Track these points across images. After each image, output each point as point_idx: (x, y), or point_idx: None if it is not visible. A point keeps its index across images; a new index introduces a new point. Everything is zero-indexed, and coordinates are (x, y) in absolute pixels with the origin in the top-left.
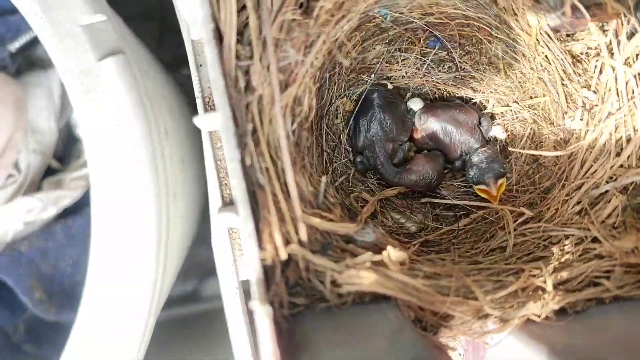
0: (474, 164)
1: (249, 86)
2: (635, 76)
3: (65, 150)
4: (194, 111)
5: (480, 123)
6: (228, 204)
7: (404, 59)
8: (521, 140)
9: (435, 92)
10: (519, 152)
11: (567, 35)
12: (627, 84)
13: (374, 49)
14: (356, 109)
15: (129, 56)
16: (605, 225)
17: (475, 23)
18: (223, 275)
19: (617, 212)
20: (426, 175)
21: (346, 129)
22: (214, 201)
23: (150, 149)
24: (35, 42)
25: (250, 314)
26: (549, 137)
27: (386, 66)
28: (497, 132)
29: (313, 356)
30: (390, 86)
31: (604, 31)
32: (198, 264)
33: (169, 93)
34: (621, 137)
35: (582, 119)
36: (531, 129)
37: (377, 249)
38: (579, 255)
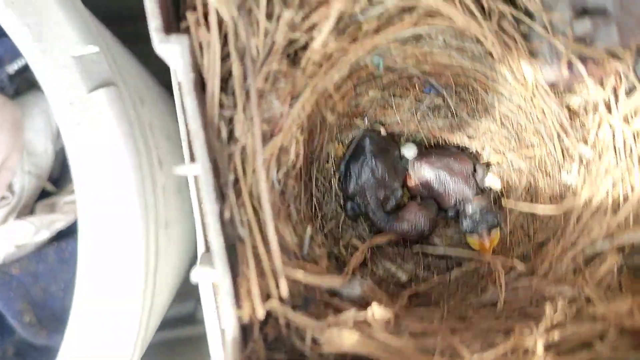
0: (467, 214)
1: (232, 135)
2: (633, 134)
3: (61, 173)
4: None
5: (475, 172)
6: (209, 249)
7: (398, 105)
8: (516, 191)
9: (430, 139)
10: (514, 204)
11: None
12: (625, 141)
13: (367, 94)
14: (347, 154)
15: (121, 88)
16: (599, 286)
17: (470, 74)
18: (207, 320)
19: (612, 272)
20: (418, 225)
21: (337, 174)
22: (200, 246)
23: (138, 182)
24: None
25: None
26: (545, 190)
27: (380, 111)
28: (493, 181)
29: None
30: (383, 132)
31: (602, 86)
32: (195, 286)
33: (168, 120)
34: (618, 195)
35: (578, 174)
36: (527, 180)
37: (364, 302)
38: (573, 315)
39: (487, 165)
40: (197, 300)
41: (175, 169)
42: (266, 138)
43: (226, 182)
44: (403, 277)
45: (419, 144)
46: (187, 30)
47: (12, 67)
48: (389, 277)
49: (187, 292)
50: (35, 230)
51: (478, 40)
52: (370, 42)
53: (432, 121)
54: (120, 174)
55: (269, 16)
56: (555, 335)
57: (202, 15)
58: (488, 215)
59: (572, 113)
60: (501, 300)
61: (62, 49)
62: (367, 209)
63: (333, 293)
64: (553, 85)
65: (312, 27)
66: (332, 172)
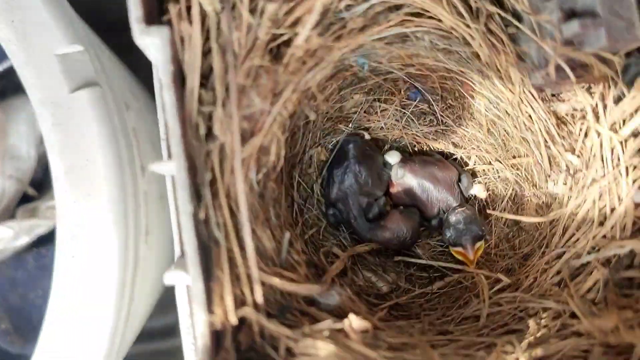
0: (451, 224)
1: (210, 133)
2: (621, 143)
3: (44, 178)
4: None
5: (460, 180)
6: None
7: (383, 110)
8: (502, 202)
9: (414, 146)
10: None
11: (553, 95)
12: (612, 150)
13: (352, 98)
14: (330, 159)
15: (105, 89)
16: (585, 300)
17: (457, 77)
18: (182, 327)
19: (598, 286)
20: (401, 233)
21: (319, 179)
22: (176, 249)
23: (119, 187)
24: None
25: None
26: (530, 200)
27: (364, 116)
28: (478, 190)
29: None
30: (367, 137)
31: (590, 93)
32: None
33: (154, 129)
34: (605, 205)
35: (565, 184)
36: (513, 189)
37: (341, 312)
38: (556, 331)
39: (473, 174)
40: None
41: (150, 166)
42: (246, 137)
43: (203, 182)
44: (384, 288)
45: (403, 151)
46: (168, 23)
47: None
48: (369, 287)
49: (169, 304)
50: (14, 235)
51: (465, 42)
52: (355, 41)
53: (417, 128)
54: (101, 178)
55: (253, 11)
56: (539, 351)
57: (185, 7)
58: (472, 226)
59: (560, 121)
60: (484, 315)
61: (46, 47)
62: (349, 216)
63: (310, 302)
64: (541, 90)
65: (296, 22)
66: (315, 178)
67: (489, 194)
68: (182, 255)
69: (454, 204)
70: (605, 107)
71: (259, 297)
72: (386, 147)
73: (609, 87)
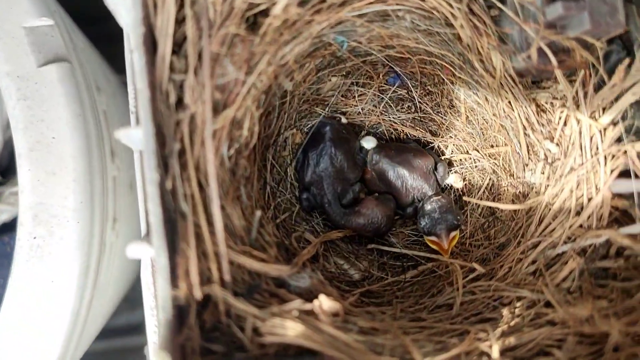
0: (426, 213)
1: (181, 102)
2: (600, 131)
3: (10, 164)
4: None
5: (436, 169)
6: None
7: (360, 94)
8: (479, 191)
9: (391, 132)
10: (476, 204)
11: (533, 83)
12: (591, 138)
13: (330, 80)
14: (306, 141)
15: (74, 66)
16: (559, 289)
17: (437, 60)
18: (146, 310)
19: (573, 275)
20: (375, 220)
21: (294, 162)
22: (142, 227)
23: (86, 168)
24: None
25: None
26: (507, 190)
27: (342, 100)
28: (454, 180)
29: None
30: (344, 120)
31: (570, 81)
32: None
33: (126, 114)
34: (582, 194)
35: (543, 173)
36: (490, 179)
37: (311, 296)
38: (530, 320)
39: (449, 163)
40: None
41: (116, 133)
42: (218, 108)
43: (171, 152)
44: (355, 275)
45: (380, 138)
46: None
47: None
48: (341, 274)
49: (136, 301)
50: None
51: (447, 23)
52: (335, 15)
53: (395, 114)
54: (67, 156)
55: None
56: (512, 339)
57: None
58: (448, 215)
59: (539, 108)
60: (457, 303)
61: (13, 19)
62: (323, 201)
63: (280, 284)
64: (521, 76)
65: None
66: (289, 161)
67: (466, 184)
68: (148, 232)
69: (430, 193)
70: (585, 94)
71: (227, 275)
72: (363, 133)
73: (590, 75)
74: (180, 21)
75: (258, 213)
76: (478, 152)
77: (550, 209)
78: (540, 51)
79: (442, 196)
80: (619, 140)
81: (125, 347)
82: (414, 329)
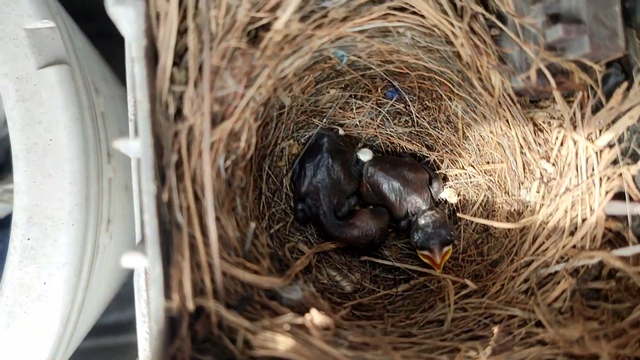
0: (419, 227)
1: (180, 114)
2: (597, 153)
3: (5, 162)
4: None
5: (430, 183)
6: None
7: (358, 107)
8: (473, 207)
9: (388, 146)
10: (469, 220)
11: (531, 102)
12: (587, 160)
13: (329, 92)
14: (303, 152)
15: (74, 68)
16: (551, 309)
17: (436, 77)
18: (137, 317)
19: (565, 295)
20: (369, 232)
21: (290, 173)
22: (137, 235)
23: (82, 170)
24: None
25: None
26: (502, 207)
27: (339, 112)
28: (448, 195)
29: None
30: (341, 132)
31: (568, 102)
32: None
33: (124, 115)
34: (577, 215)
35: (538, 192)
36: (485, 195)
37: (303, 309)
38: (521, 339)
39: (444, 178)
40: None
41: (114, 143)
42: (217, 120)
43: (168, 163)
44: (348, 287)
45: (376, 151)
46: None
47: None
48: (333, 286)
49: (126, 300)
50: None
51: (447, 41)
52: (336, 31)
53: (392, 128)
54: (64, 159)
55: None
56: (502, 358)
57: None
58: (441, 230)
59: (536, 128)
60: (449, 319)
61: (14, 20)
62: (318, 212)
63: (272, 296)
64: (520, 95)
65: (276, 7)
66: (285, 171)
67: (460, 199)
68: (143, 240)
69: (424, 207)
70: (583, 116)
71: (219, 286)
72: (359, 145)
73: (588, 96)
74: (182, 32)
75: (252, 225)
76: (474, 168)
77: (544, 228)
78: (540, 72)
79: (436, 211)
80: (614, 162)
81: (115, 344)
82: (404, 344)
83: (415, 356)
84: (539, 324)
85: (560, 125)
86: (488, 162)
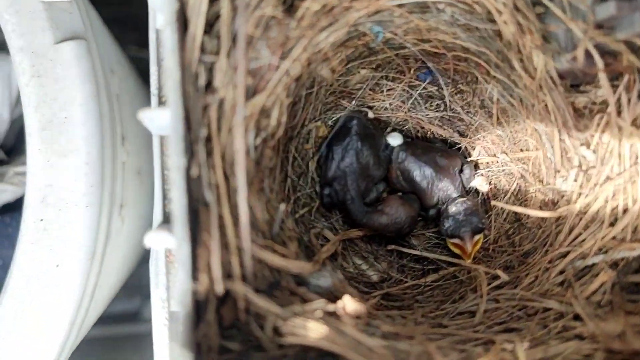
0: (450, 215)
1: (210, 86)
2: None
3: (15, 144)
4: None
5: (462, 171)
6: (167, 221)
7: (389, 89)
8: (505, 196)
9: (417, 131)
10: (501, 209)
11: (572, 86)
12: (631, 147)
13: (359, 72)
14: (331, 135)
15: (91, 45)
16: (589, 303)
17: (473, 58)
18: (155, 302)
19: (604, 288)
20: (398, 220)
21: (316, 156)
22: (157, 216)
23: (98, 151)
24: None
25: None
26: (535, 196)
27: (369, 94)
28: (480, 183)
29: None
30: (371, 115)
31: (613, 86)
32: (144, 283)
33: (136, 99)
34: (617, 205)
35: (576, 180)
36: (517, 184)
37: (331, 297)
38: (557, 333)
39: (475, 165)
40: (144, 297)
41: (139, 114)
42: (248, 94)
43: (197, 138)
44: (374, 276)
45: (405, 135)
46: None
47: None
48: (359, 275)
49: (134, 289)
50: None
51: (489, 19)
52: (375, 3)
53: (423, 112)
54: (79, 138)
55: None
56: (538, 352)
57: None
58: (473, 218)
59: (577, 113)
60: (481, 310)
61: None
62: (345, 197)
63: (300, 282)
64: (562, 77)
65: None
66: (311, 154)
67: (491, 188)
68: (164, 223)
69: (455, 195)
70: (628, 101)
71: (249, 270)
72: (388, 129)
73: (635, 80)
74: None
75: (282, 206)
76: (507, 155)
77: (581, 219)
78: (587, 53)
79: (467, 198)
80: None
81: (121, 334)
82: (436, 335)
83: (449, 347)
84: (576, 317)
85: (602, 111)
86: (522, 150)
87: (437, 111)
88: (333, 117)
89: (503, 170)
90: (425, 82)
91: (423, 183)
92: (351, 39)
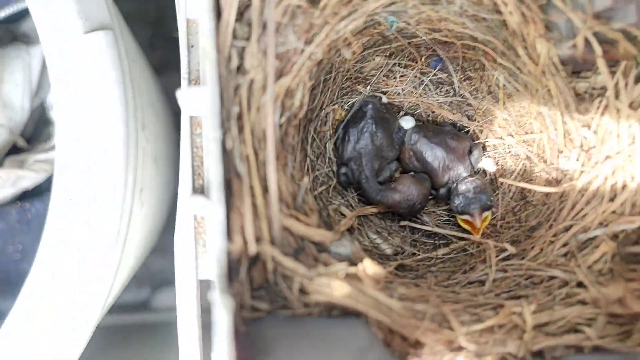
0: (460, 192)
1: (241, 68)
2: (639, 121)
3: (35, 132)
4: (175, 117)
5: (471, 152)
6: (199, 192)
7: (402, 75)
8: (511, 176)
9: (428, 115)
10: (508, 188)
11: (573, 73)
12: (629, 127)
13: (374, 59)
14: (347, 118)
15: (117, 35)
16: (591, 271)
17: (481, 46)
18: (181, 272)
19: (605, 258)
20: (410, 197)
21: (333, 138)
22: (184, 190)
23: (124, 134)
24: (21, 16)
25: (205, 317)
26: (540, 176)
27: (383, 80)
28: (487, 164)
29: None
30: (385, 100)
31: (611, 72)
32: (153, 273)
33: (153, 88)
34: (616, 182)
35: (577, 160)
36: (523, 165)
37: (351, 264)
38: (561, 299)
39: (483, 148)
40: (153, 287)
41: (178, 92)
42: (275, 75)
43: (229, 115)
44: (388, 250)
45: (417, 119)
46: None
47: None
48: (373, 248)
49: (143, 278)
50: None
51: (495, 10)
52: None
53: (434, 97)
54: (108, 122)
55: None
56: (544, 316)
57: None
58: (482, 195)
59: (578, 97)
60: (490, 279)
61: None
62: (360, 176)
63: (321, 250)
64: (565, 64)
65: None
66: (329, 136)
67: (498, 168)
68: (194, 193)
69: (464, 175)
70: (625, 85)
71: (277, 234)
72: (401, 113)
73: (632, 66)
74: None
75: (306, 179)
76: (512, 137)
77: (583, 195)
78: (586, 41)
79: (476, 177)
80: None
81: (131, 323)
82: (450, 299)
83: (462, 310)
84: (579, 285)
85: (602, 95)
86: (527, 132)
87: (446, 96)
88: (349, 102)
89: (509, 152)
90: (436, 69)
91: (435, 163)
92: (367, 28)
